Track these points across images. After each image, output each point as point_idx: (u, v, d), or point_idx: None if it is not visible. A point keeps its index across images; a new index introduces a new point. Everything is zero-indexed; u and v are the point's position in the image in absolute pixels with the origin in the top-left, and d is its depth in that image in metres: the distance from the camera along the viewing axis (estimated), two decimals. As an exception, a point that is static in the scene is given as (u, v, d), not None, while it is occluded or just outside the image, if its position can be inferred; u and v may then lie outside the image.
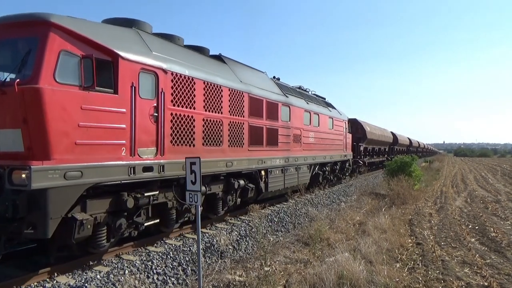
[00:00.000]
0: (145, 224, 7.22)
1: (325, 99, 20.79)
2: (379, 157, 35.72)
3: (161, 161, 7.40)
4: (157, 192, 7.42)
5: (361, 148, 26.96)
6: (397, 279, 6.72)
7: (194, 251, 7.65)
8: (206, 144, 8.81)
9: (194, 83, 8.43)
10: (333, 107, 20.49)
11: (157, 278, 6.48)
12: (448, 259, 8.22)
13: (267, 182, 11.83)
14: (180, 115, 7.95)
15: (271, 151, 12.04)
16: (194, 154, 8.33)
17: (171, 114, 7.71)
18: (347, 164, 21.71)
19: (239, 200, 10.73)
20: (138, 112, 6.88)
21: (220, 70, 10.00)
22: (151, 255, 7.21)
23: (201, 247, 6.23)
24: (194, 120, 8.38)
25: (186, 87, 8.18)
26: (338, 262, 6.74)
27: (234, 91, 10.03)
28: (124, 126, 6.60)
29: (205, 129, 8.77)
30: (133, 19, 8.02)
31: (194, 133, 8.38)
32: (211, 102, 9.00)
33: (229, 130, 9.71)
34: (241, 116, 10.31)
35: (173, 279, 6.65)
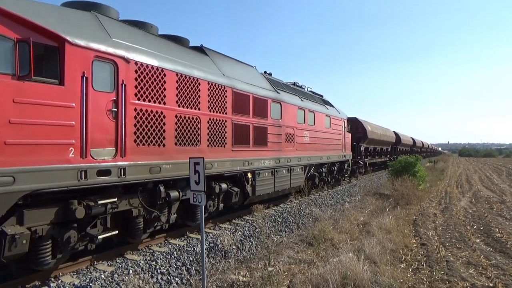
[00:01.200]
0: (101, 236, 6.25)
1: (322, 96, 19.78)
2: (381, 158, 34.60)
3: (122, 163, 6.44)
4: (116, 199, 6.45)
5: (362, 148, 25.90)
6: (401, 280, 6.61)
7: (198, 251, 7.62)
8: (180, 143, 7.85)
9: (165, 75, 7.47)
10: (331, 105, 19.46)
11: (161, 278, 6.44)
12: (452, 260, 8.05)
13: (254, 185, 10.85)
14: (146, 110, 7.00)
15: (259, 151, 11.07)
16: (164, 155, 7.41)
17: (135, 109, 6.75)
18: (346, 165, 20.67)
19: (221, 205, 9.76)
20: (91, 107, 5.93)
21: (199, 62, 9.03)
22: (155, 255, 7.20)
23: (205, 247, 6.10)
24: (164, 117, 7.42)
25: (155, 80, 7.22)
26: (342, 263, 6.66)
27: (215, 85, 9.05)
28: (72, 123, 5.65)
29: (178, 127, 7.81)
30: (93, 2, 7.08)
31: (164, 131, 7.42)
32: (186, 97, 8.04)
33: (208, 128, 8.75)
34: (223, 113, 9.34)
35: (177, 279, 6.58)
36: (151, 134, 7.10)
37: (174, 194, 7.70)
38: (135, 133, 6.74)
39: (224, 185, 9.45)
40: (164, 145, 7.40)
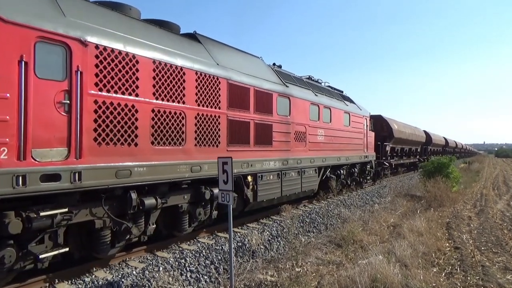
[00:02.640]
0: (45, 255, 5.17)
1: (342, 92, 18.27)
2: (410, 158, 32.45)
3: (77, 166, 5.36)
4: (66, 209, 5.37)
5: (387, 148, 24.06)
6: (434, 284, 6.39)
7: (226, 250, 7.66)
8: (158, 142, 6.73)
9: (137, 61, 6.37)
10: (351, 101, 17.91)
11: (190, 276, 6.50)
12: (488, 265, 7.78)
13: (256, 189, 9.60)
14: (111, 103, 5.91)
15: (262, 152, 9.81)
16: (137, 157, 6.30)
17: (96, 101, 5.67)
18: (369, 166, 19.03)
19: (215, 213, 8.57)
20: (33, 98, 4.89)
21: (188, 49, 7.89)
22: (185, 252, 7.27)
23: (233, 246, 6.05)
24: (136, 111, 6.31)
25: (123, 67, 6.13)
26: (371, 265, 6.54)
27: (205, 75, 7.89)
28: (5, 117, 4.62)
29: (156, 123, 6.70)
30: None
31: (136, 128, 6.31)
32: (166, 88, 6.92)
33: (195, 125, 7.59)
34: (215, 108, 8.16)
35: (205, 277, 6.63)
36: (118, 132, 6.01)
37: (150, 201, 6.58)
38: (95, 130, 5.66)
39: (217, 190, 8.25)
40: (136, 145, 6.29)
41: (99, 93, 5.72)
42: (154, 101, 6.66)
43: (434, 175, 18.52)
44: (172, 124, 7.03)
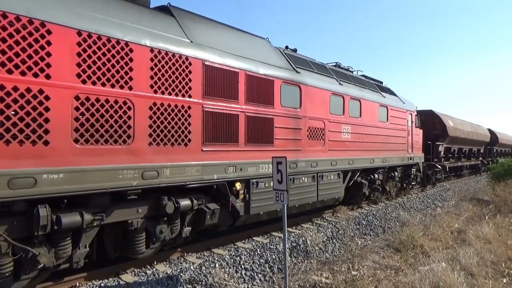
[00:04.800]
0: None
1: (382, 83, 15.69)
2: (470, 160, 28.41)
3: None
4: None
5: (440, 149, 20.77)
6: None
7: (280, 249, 7.61)
8: (86, 140, 5.08)
9: (49, 32, 4.75)
10: (391, 93, 15.28)
11: (245, 274, 6.56)
12: None
13: (249, 199, 7.67)
14: (1, 87, 4.34)
15: (259, 152, 7.87)
16: (49, 159, 4.69)
17: (-27, 84, 4.13)
18: (414, 169, 16.21)
19: (188, 229, 6.78)
20: None
21: (147, 22, 6.18)
22: (239, 250, 7.33)
23: (287, 246, 6.13)
24: (48, 98, 4.70)
25: (24, 38, 4.54)
26: (433, 272, 6.29)
27: (166, 54, 6.13)
28: None
29: (83, 114, 5.05)
30: None
31: (47, 120, 4.69)
32: (100, 69, 5.25)
33: (151, 117, 5.85)
34: (184, 96, 6.38)
35: (260, 275, 6.65)
36: (15, 125, 4.42)
37: (71, 219, 4.94)
38: (-28, 122, 4.12)
39: (185, 202, 6.44)
40: (46, 143, 4.68)
41: (-21, 71, 4.17)
42: (79, 85, 5.02)
43: (504, 178, 17.36)
44: (111, 116, 5.35)
